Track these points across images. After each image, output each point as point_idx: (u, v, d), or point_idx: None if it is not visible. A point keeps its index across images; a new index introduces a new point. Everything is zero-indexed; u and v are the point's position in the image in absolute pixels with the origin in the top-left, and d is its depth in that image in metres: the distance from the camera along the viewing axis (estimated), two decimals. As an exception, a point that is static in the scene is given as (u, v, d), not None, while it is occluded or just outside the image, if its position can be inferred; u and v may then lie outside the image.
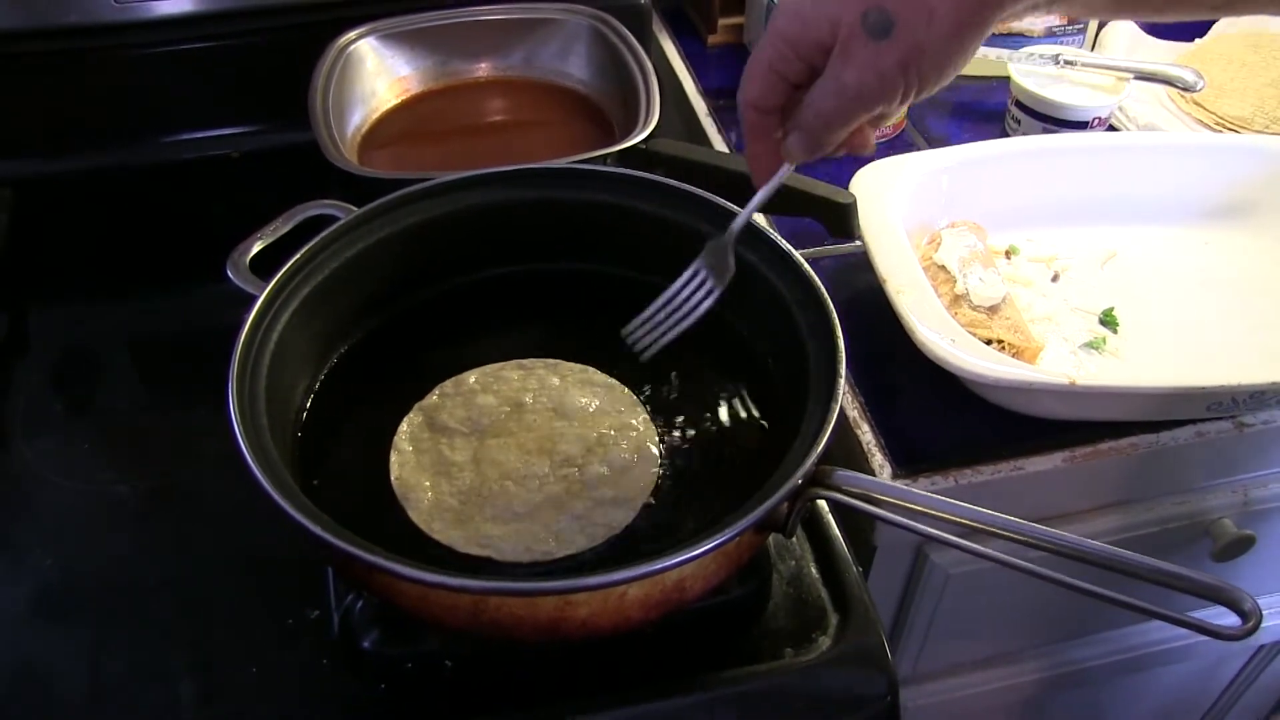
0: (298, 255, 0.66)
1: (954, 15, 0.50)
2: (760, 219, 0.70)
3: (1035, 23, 1.11)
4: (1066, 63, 1.03)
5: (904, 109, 0.61)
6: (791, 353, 0.65)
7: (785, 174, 0.59)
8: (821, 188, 0.76)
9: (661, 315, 0.66)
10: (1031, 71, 1.04)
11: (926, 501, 0.56)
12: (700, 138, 1.02)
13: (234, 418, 0.55)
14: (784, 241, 0.67)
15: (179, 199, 1.00)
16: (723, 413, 0.69)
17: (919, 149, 1.04)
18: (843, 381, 0.59)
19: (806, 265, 0.65)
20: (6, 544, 0.70)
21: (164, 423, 0.79)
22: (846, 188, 0.83)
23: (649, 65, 0.88)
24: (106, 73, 0.97)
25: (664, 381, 0.71)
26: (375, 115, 0.94)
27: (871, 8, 0.50)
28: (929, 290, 0.77)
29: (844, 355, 0.60)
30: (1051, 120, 1.01)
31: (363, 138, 0.92)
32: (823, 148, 0.56)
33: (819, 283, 0.64)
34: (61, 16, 0.92)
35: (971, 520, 0.54)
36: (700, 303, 0.65)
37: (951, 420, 0.78)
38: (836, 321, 0.62)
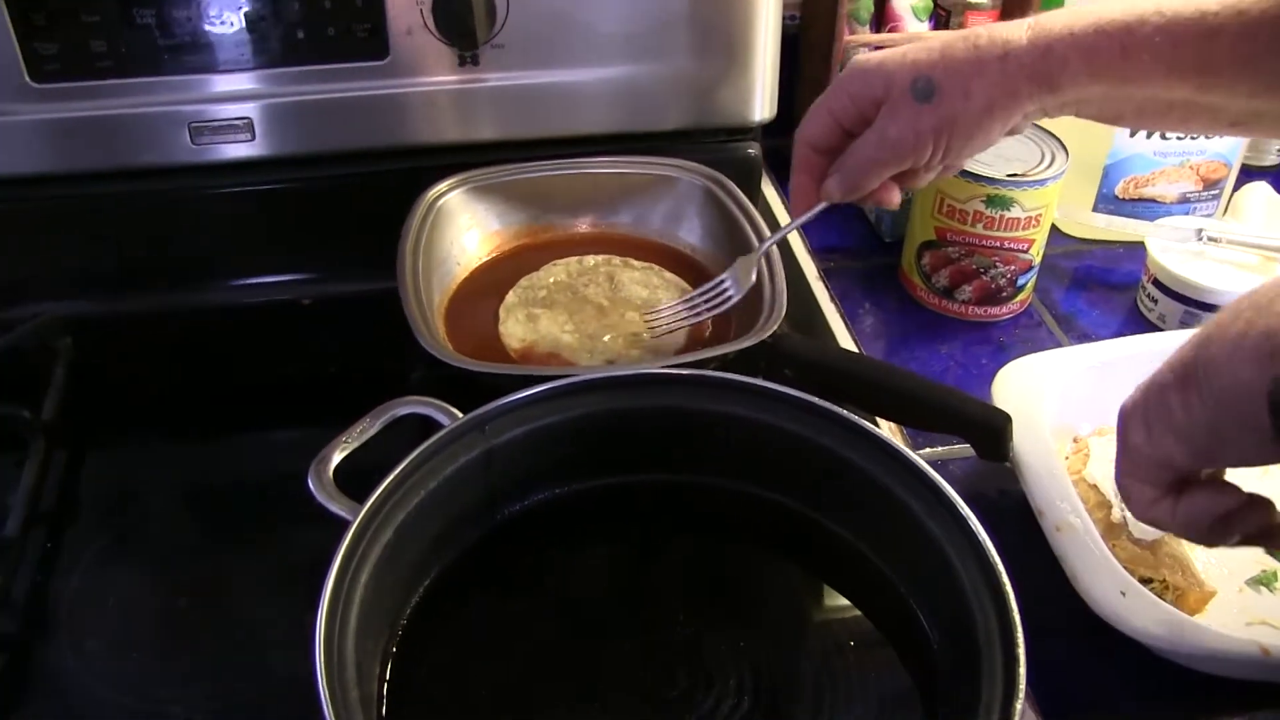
0: (390, 478, 0.58)
1: (986, 95, 0.64)
2: (894, 433, 0.63)
3: (1167, 189, 1.03)
4: (1210, 239, 0.95)
5: (930, 175, 0.70)
6: (948, 604, 0.57)
7: (819, 210, 0.71)
8: (973, 404, 0.68)
9: (682, 310, 0.80)
10: (1168, 247, 0.95)
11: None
12: (809, 301, 0.94)
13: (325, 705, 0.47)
14: (946, 485, 0.58)
15: (245, 344, 0.93)
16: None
17: (1045, 326, 0.97)
18: (1023, 669, 0.51)
19: (974, 519, 0.57)
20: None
21: (229, 610, 0.70)
22: (982, 376, 0.76)
23: (770, 241, 0.80)
24: (176, 213, 0.91)
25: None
26: (466, 272, 0.87)
27: (921, 76, 0.64)
28: (1089, 523, 0.68)
29: (1021, 633, 0.53)
30: (1192, 303, 0.93)
31: (452, 295, 0.85)
32: (856, 190, 0.69)
33: (991, 548, 0.56)
34: (136, 157, 0.86)
35: None
36: (716, 308, 0.78)
37: (1112, 668, 0.68)
38: (1011, 594, 0.54)
